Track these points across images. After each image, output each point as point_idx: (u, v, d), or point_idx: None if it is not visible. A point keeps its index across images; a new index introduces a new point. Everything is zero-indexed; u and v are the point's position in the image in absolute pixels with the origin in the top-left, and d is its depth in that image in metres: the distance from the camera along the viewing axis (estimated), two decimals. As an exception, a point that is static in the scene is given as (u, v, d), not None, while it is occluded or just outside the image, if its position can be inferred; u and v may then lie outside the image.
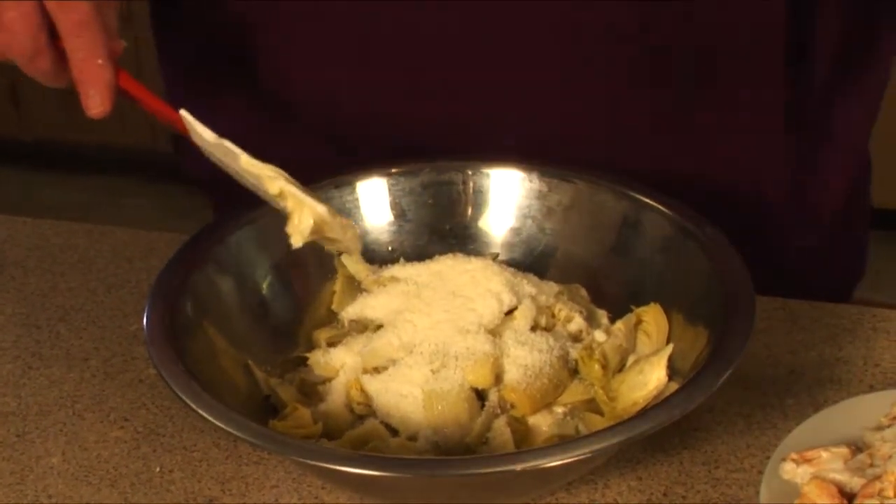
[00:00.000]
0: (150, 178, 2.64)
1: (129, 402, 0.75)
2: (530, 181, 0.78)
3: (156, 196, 2.59)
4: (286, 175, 0.66)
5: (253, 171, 0.65)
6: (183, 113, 0.66)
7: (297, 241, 0.66)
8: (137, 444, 0.72)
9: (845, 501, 0.60)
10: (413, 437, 0.65)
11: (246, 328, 0.72)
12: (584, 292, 0.74)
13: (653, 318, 0.69)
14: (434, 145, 0.80)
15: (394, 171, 0.78)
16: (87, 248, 0.91)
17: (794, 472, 0.62)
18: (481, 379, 0.65)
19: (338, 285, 0.75)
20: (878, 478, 0.60)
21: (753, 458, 0.68)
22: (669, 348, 0.67)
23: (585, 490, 0.67)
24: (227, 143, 0.65)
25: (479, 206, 0.79)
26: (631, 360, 0.69)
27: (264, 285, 0.74)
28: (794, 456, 0.63)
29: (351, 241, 0.68)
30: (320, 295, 0.75)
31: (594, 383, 0.67)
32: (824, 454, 0.63)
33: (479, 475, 0.57)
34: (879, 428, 0.65)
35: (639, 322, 0.70)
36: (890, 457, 0.61)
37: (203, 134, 0.66)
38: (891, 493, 0.59)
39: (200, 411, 0.60)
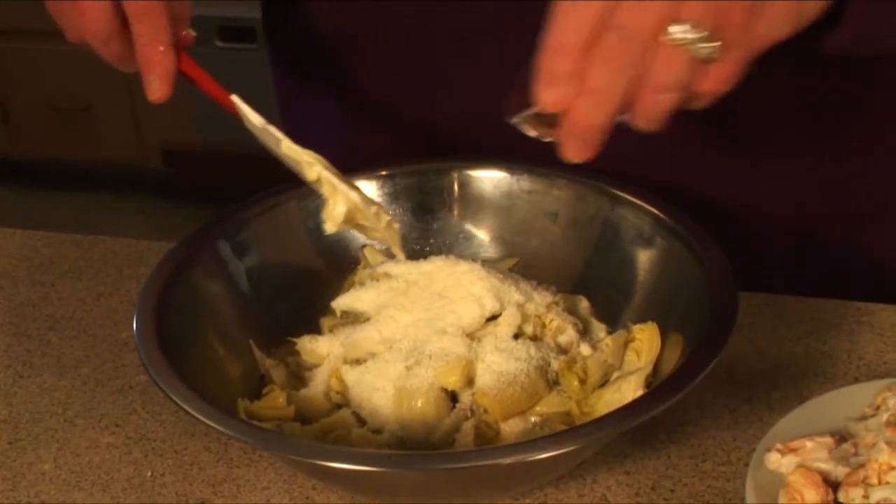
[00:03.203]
0: (141, 195, 2.65)
1: (119, 408, 0.76)
2: (517, 182, 0.79)
3: (147, 212, 2.60)
4: (324, 161, 0.68)
5: (292, 157, 0.67)
6: (234, 98, 0.68)
7: (329, 228, 0.68)
8: (129, 449, 0.72)
9: (830, 490, 0.61)
10: (379, 431, 0.66)
11: (244, 317, 0.73)
12: (585, 303, 0.75)
13: (646, 337, 0.69)
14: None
15: (381, 173, 0.79)
16: (76, 258, 0.92)
17: (779, 462, 0.63)
18: (451, 380, 0.66)
19: (358, 276, 0.76)
20: (861, 466, 0.61)
21: (740, 451, 0.68)
22: (648, 368, 0.67)
23: (574, 485, 0.67)
24: (272, 129, 0.68)
25: (466, 207, 0.79)
26: (615, 376, 0.69)
27: (256, 283, 0.75)
28: (778, 446, 0.63)
29: (387, 232, 0.69)
30: (344, 284, 0.77)
31: (571, 396, 0.68)
32: (809, 444, 0.63)
33: (469, 468, 0.58)
34: (863, 418, 0.65)
35: (631, 340, 0.71)
36: (874, 445, 0.62)
37: (251, 118, 0.68)
38: (875, 481, 0.59)
39: (190, 410, 0.60)
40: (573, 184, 0.78)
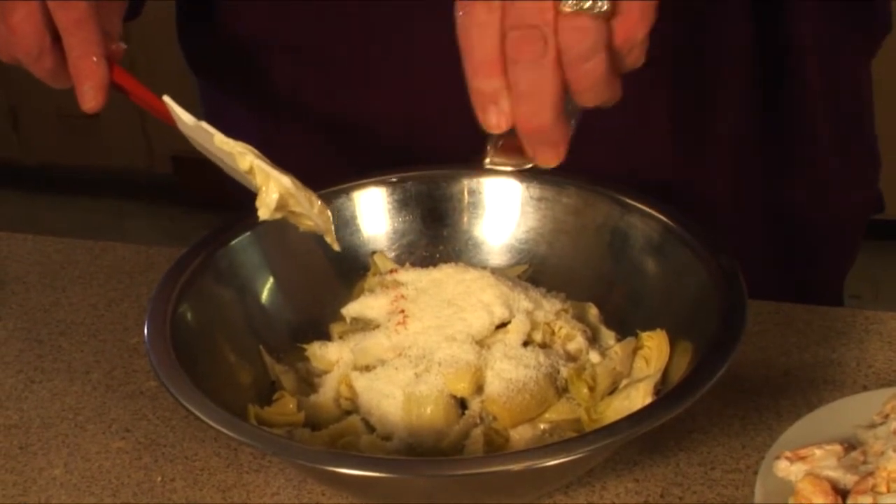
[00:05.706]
0: (149, 201, 2.65)
1: (130, 413, 0.76)
2: (527, 189, 0.79)
3: (155, 218, 2.60)
4: (256, 151, 0.67)
5: (225, 149, 0.67)
6: (166, 98, 0.68)
7: (263, 214, 0.67)
8: (139, 454, 0.73)
9: (839, 498, 0.61)
10: (388, 437, 0.66)
11: (254, 323, 0.74)
12: (594, 311, 0.75)
13: (655, 344, 0.70)
14: (436, 152, 0.81)
15: (391, 180, 0.79)
16: (87, 263, 0.92)
17: (788, 469, 0.63)
18: (460, 387, 0.66)
19: (367, 283, 0.76)
20: (870, 474, 0.61)
21: (749, 459, 0.69)
22: (657, 375, 0.68)
23: (583, 492, 0.67)
24: (204, 125, 0.67)
25: (475, 214, 0.80)
26: (624, 384, 0.69)
27: (266, 288, 0.75)
28: (787, 454, 0.64)
29: (320, 218, 0.68)
30: (353, 290, 0.77)
31: (581, 403, 0.68)
32: (818, 452, 0.63)
33: (478, 475, 0.58)
34: (872, 426, 0.65)
35: (640, 347, 0.71)
36: (882, 453, 0.62)
37: (183, 117, 0.68)
38: (883, 489, 0.60)
39: (200, 415, 0.60)
40: (582, 191, 0.78)
